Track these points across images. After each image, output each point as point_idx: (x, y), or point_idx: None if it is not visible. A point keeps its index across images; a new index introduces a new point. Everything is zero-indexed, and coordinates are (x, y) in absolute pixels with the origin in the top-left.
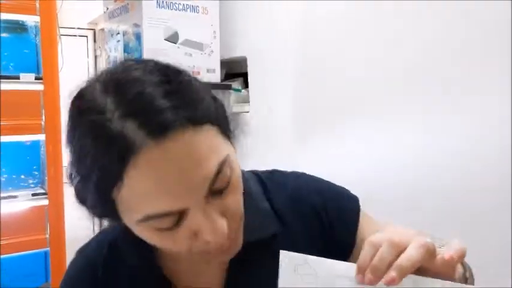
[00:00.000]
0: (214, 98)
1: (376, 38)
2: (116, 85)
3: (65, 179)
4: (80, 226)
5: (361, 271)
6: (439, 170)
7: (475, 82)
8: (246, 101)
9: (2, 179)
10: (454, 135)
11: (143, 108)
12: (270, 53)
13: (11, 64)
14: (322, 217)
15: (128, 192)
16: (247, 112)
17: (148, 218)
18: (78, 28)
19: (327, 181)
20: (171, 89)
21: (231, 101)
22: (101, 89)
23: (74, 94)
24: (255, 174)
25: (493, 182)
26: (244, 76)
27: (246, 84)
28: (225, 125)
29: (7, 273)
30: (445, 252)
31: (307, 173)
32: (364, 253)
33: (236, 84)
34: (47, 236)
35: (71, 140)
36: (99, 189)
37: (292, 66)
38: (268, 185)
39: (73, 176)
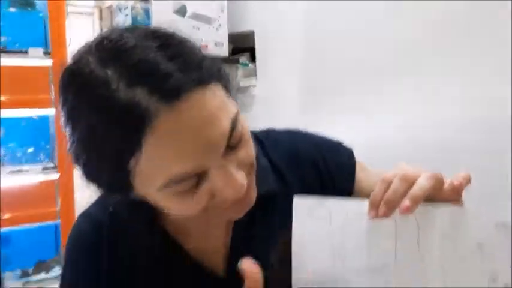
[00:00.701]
0: (209, 57)
1: (380, 12)
2: (113, 55)
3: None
4: (90, 200)
5: (374, 206)
6: (442, 138)
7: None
8: (253, 75)
9: (18, 154)
10: (456, 102)
11: (149, 73)
12: (277, 27)
13: (19, 39)
14: (320, 167)
15: (147, 161)
16: (254, 86)
17: (169, 183)
18: (84, 5)
19: (322, 135)
20: (172, 52)
21: (238, 75)
22: (97, 61)
23: (62, 72)
24: (252, 133)
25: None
26: (251, 51)
27: (253, 59)
28: (226, 82)
29: (17, 245)
30: (453, 180)
31: None
32: (377, 189)
33: (243, 58)
34: (57, 208)
35: (72, 119)
36: (115, 164)
37: (299, 40)
38: (265, 142)
39: (79, 155)
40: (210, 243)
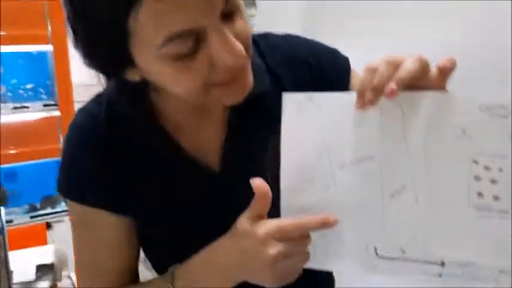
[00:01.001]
0: None
1: None
2: None
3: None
4: None
5: (361, 95)
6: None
7: None
8: (252, 4)
9: (21, 92)
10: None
11: None
12: None
13: None
14: (315, 67)
15: (146, 16)
16: (254, 16)
17: (167, 40)
18: None
19: (320, 42)
20: None
21: None
22: None
23: None
24: None
25: None
26: None
27: None
28: None
29: (24, 181)
30: (438, 63)
31: None
32: (363, 78)
33: None
34: (60, 145)
35: None
36: (114, 25)
37: None
38: (262, 44)
39: (78, 27)
40: (204, 140)
